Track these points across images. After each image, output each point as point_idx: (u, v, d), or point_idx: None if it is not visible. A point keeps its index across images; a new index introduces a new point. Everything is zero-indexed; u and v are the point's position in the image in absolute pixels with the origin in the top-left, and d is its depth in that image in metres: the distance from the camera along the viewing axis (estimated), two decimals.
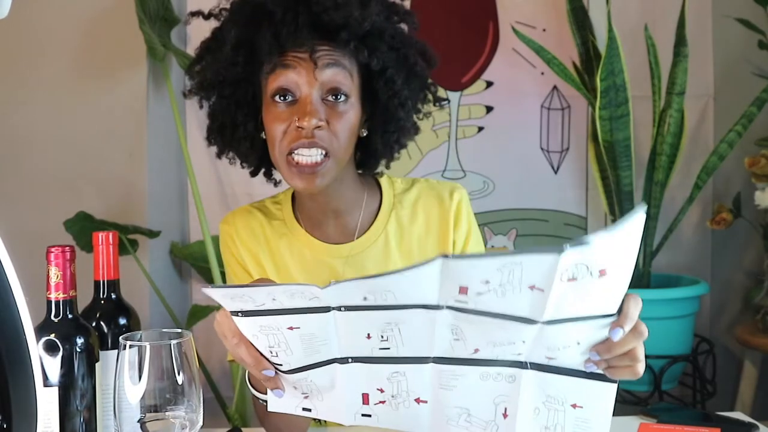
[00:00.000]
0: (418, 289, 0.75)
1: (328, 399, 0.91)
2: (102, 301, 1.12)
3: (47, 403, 0.99)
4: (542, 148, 2.53)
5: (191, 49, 2.47)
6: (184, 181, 2.52)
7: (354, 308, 0.80)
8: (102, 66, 2.44)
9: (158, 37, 2.30)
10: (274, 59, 1.13)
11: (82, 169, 2.44)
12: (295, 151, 1.12)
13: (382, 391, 0.87)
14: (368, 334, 0.82)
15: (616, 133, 2.14)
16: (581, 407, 0.84)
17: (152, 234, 2.35)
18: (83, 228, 2.14)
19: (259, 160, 1.26)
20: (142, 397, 0.86)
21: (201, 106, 1.25)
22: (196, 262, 2.46)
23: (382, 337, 0.82)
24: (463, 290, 0.75)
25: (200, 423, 0.89)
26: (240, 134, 1.20)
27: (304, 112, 1.11)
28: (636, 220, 0.75)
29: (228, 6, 1.20)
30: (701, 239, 2.54)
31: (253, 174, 1.29)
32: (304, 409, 0.94)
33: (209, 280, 2.40)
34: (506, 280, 0.72)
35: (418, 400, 0.87)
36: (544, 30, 2.49)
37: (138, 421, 0.86)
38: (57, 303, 1.02)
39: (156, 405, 0.86)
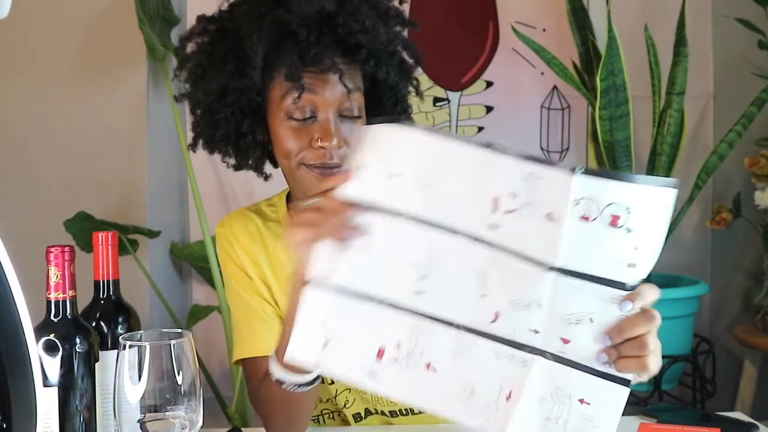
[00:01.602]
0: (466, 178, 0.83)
1: (345, 346, 0.91)
2: (102, 301, 1.12)
3: (47, 403, 0.99)
4: (542, 148, 2.54)
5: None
6: (184, 181, 2.52)
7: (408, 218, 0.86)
8: (102, 66, 2.44)
9: (158, 37, 2.30)
10: (296, 79, 1.13)
11: (82, 169, 2.44)
12: (314, 167, 1.15)
13: (399, 346, 0.88)
14: (411, 263, 0.86)
15: (616, 133, 2.14)
16: (588, 404, 0.83)
17: (152, 234, 2.35)
18: (83, 228, 2.14)
19: (258, 160, 1.27)
20: (142, 397, 0.86)
21: (193, 111, 1.24)
22: (196, 262, 2.46)
23: (421, 275, 0.86)
24: (494, 203, 0.82)
25: (200, 423, 0.89)
26: (248, 143, 1.20)
27: (327, 134, 1.13)
28: (664, 192, 0.79)
29: (231, 11, 1.20)
30: (701, 239, 2.54)
31: (237, 168, 1.29)
32: (316, 365, 0.97)
33: (209, 280, 2.40)
34: (530, 198, 0.80)
35: (428, 366, 0.87)
36: (544, 30, 2.49)
37: (138, 421, 0.87)
38: (57, 303, 1.02)
39: (156, 405, 0.86)
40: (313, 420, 1.30)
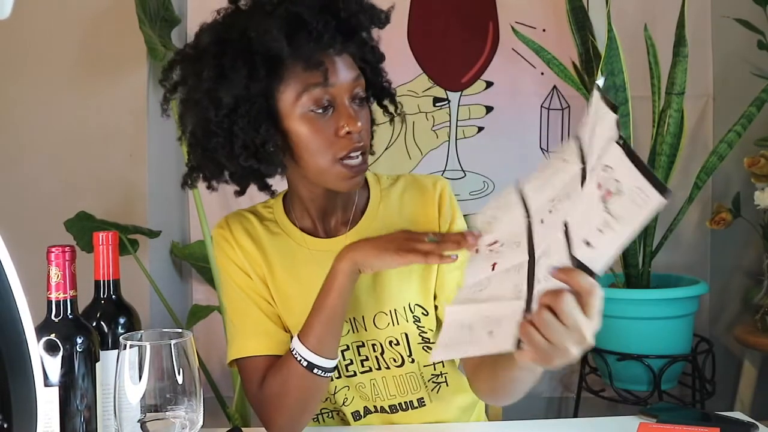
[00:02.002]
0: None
1: (476, 334, 0.95)
2: (102, 301, 1.13)
3: (47, 403, 0.99)
4: (542, 148, 2.54)
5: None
6: None
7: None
8: (102, 66, 2.45)
9: (158, 38, 2.30)
10: (319, 65, 1.14)
11: (82, 169, 2.44)
12: (348, 157, 1.16)
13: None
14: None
15: None
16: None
17: (152, 234, 2.35)
18: (83, 228, 2.14)
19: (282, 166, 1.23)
20: (143, 397, 0.86)
21: (184, 131, 1.22)
22: (196, 262, 2.47)
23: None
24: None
25: (200, 423, 0.89)
26: (271, 148, 1.17)
27: (351, 119, 1.15)
28: (656, 193, 0.80)
29: (231, 20, 1.18)
30: (701, 239, 2.54)
31: (241, 193, 1.27)
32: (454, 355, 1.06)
33: (209, 280, 2.40)
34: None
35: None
36: (544, 30, 2.49)
37: (138, 421, 0.87)
38: (57, 303, 1.02)
39: (156, 405, 0.87)
40: (313, 420, 1.30)
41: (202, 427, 0.90)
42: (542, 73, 2.50)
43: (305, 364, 1.16)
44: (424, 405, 1.31)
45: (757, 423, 1.19)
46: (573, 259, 0.86)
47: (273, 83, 1.15)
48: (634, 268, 2.25)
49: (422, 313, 1.27)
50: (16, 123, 2.44)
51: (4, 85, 2.42)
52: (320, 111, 1.16)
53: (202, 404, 0.89)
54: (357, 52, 1.20)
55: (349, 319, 1.25)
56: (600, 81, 0.91)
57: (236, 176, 1.23)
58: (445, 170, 2.55)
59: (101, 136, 2.44)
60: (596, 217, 0.84)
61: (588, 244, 0.85)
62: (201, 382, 0.89)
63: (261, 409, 1.21)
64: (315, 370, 1.16)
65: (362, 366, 1.28)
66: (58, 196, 2.40)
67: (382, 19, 1.21)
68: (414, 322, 1.27)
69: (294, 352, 1.17)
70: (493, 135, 2.54)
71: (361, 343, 1.27)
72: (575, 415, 2.36)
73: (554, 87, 2.52)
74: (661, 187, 0.79)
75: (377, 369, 1.28)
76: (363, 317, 1.26)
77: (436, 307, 1.29)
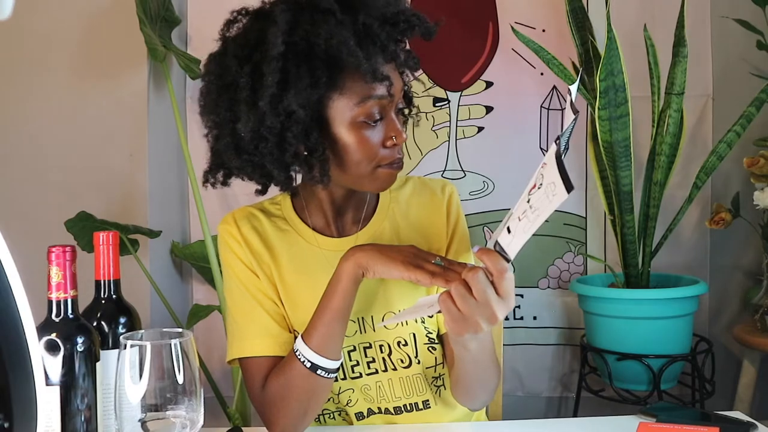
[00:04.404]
0: None
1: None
2: (103, 301, 1.13)
3: (48, 403, 0.99)
4: (542, 148, 2.54)
5: (192, 50, 2.47)
6: (185, 181, 2.53)
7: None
8: (102, 67, 2.45)
9: (159, 38, 2.30)
10: (384, 79, 1.14)
11: (83, 169, 2.44)
12: (388, 165, 1.19)
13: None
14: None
15: (616, 133, 2.14)
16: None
17: (153, 234, 2.35)
18: (84, 228, 2.14)
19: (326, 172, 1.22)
20: (143, 397, 0.86)
21: (214, 128, 1.20)
22: (196, 262, 2.47)
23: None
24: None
25: (201, 422, 0.89)
26: (319, 156, 1.16)
27: (399, 131, 1.18)
28: (562, 188, 0.86)
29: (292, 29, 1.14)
30: (700, 239, 2.54)
31: (262, 192, 1.27)
32: None
33: (210, 280, 2.41)
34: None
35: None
36: (543, 30, 2.50)
37: (139, 421, 0.87)
38: (58, 303, 1.02)
39: (157, 404, 0.87)
40: (315, 420, 1.31)
41: (202, 426, 0.90)
42: (542, 73, 2.51)
43: (308, 365, 1.16)
44: (429, 407, 1.31)
45: (757, 423, 1.19)
46: (496, 243, 0.98)
47: (328, 91, 1.13)
48: (634, 268, 2.25)
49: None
50: (16, 123, 2.44)
51: (4, 85, 2.42)
52: (372, 122, 1.16)
53: (202, 404, 0.89)
54: (404, 63, 1.20)
55: (357, 318, 1.25)
56: (573, 86, 0.96)
57: (271, 180, 1.21)
58: (445, 170, 2.55)
59: (102, 136, 2.44)
60: (521, 207, 0.95)
61: (509, 230, 0.96)
62: (201, 381, 0.90)
63: (263, 409, 1.21)
64: (318, 371, 1.16)
65: (368, 368, 1.28)
66: (59, 196, 2.40)
67: (432, 32, 1.21)
68: (421, 321, 1.28)
69: (297, 353, 1.17)
70: (493, 135, 2.54)
71: (368, 345, 1.27)
72: (575, 415, 2.36)
73: (554, 87, 2.52)
74: (568, 183, 0.87)
75: (383, 371, 1.28)
76: (372, 317, 1.26)
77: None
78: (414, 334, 1.27)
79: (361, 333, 1.26)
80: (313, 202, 1.30)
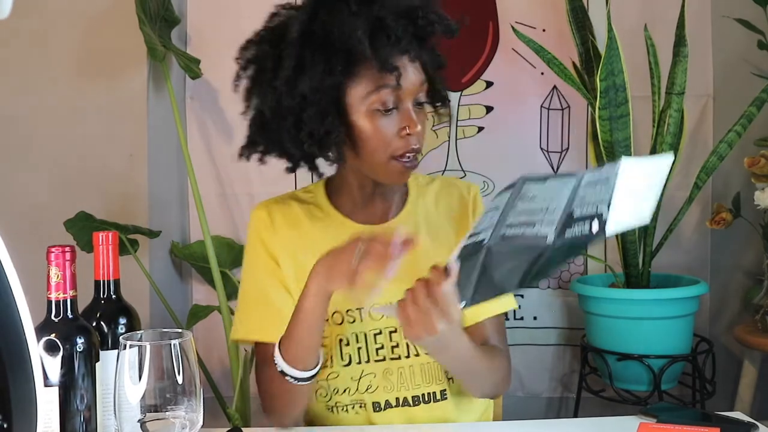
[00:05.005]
0: None
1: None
2: (102, 301, 1.13)
3: (47, 403, 0.99)
4: (542, 148, 2.54)
5: (191, 50, 2.47)
6: (185, 181, 2.52)
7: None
8: (102, 66, 2.45)
9: (158, 38, 2.30)
10: (394, 69, 1.20)
11: (82, 169, 2.44)
12: (403, 156, 1.24)
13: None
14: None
15: (616, 133, 2.14)
16: None
17: (152, 234, 2.35)
18: (83, 228, 2.14)
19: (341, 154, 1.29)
20: (143, 397, 0.86)
21: (249, 107, 1.29)
22: (196, 262, 2.47)
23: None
24: None
25: (200, 423, 0.89)
26: (334, 138, 1.23)
27: (413, 122, 1.23)
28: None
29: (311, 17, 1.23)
30: (701, 239, 2.54)
31: (292, 170, 1.33)
32: None
33: (209, 280, 2.40)
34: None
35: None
36: (544, 30, 2.49)
37: (138, 421, 0.87)
38: (57, 303, 1.02)
39: (156, 405, 0.87)
40: (330, 411, 1.33)
41: (202, 427, 0.90)
42: (542, 73, 2.50)
43: (280, 370, 1.21)
44: (446, 398, 1.33)
45: (757, 423, 1.19)
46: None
47: (345, 78, 1.21)
48: (634, 268, 2.24)
49: None
50: (16, 123, 2.44)
51: (5, 84, 2.42)
52: (386, 111, 1.22)
53: (202, 404, 0.89)
54: (426, 58, 1.27)
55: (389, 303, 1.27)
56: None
57: (295, 158, 1.30)
58: (445, 170, 2.55)
59: (101, 136, 2.44)
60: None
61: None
62: (201, 382, 0.90)
63: (259, 391, 1.29)
64: (288, 378, 1.20)
65: (392, 352, 1.31)
66: (58, 196, 2.40)
67: (453, 29, 1.27)
68: None
69: (275, 356, 1.21)
70: (493, 135, 2.54)
71: (393, 329, 1.31)
72: (575, 415, 2.35)
73: (554, 87, 2.52)
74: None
75: (406, 357, 1.31)
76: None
77: None
78: None
79: (388, 317, 1.30)
80: (345, 190, 1.36)
